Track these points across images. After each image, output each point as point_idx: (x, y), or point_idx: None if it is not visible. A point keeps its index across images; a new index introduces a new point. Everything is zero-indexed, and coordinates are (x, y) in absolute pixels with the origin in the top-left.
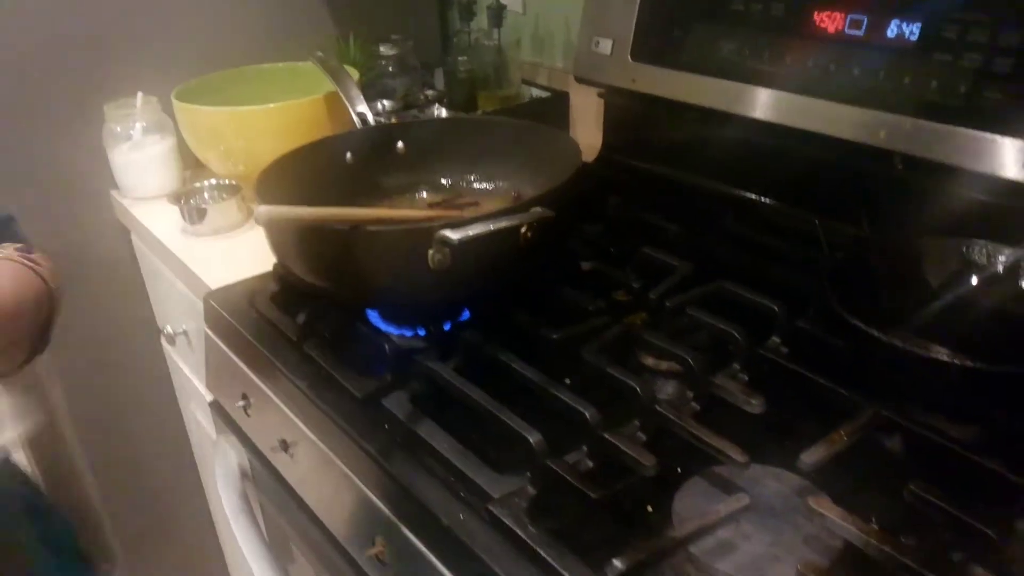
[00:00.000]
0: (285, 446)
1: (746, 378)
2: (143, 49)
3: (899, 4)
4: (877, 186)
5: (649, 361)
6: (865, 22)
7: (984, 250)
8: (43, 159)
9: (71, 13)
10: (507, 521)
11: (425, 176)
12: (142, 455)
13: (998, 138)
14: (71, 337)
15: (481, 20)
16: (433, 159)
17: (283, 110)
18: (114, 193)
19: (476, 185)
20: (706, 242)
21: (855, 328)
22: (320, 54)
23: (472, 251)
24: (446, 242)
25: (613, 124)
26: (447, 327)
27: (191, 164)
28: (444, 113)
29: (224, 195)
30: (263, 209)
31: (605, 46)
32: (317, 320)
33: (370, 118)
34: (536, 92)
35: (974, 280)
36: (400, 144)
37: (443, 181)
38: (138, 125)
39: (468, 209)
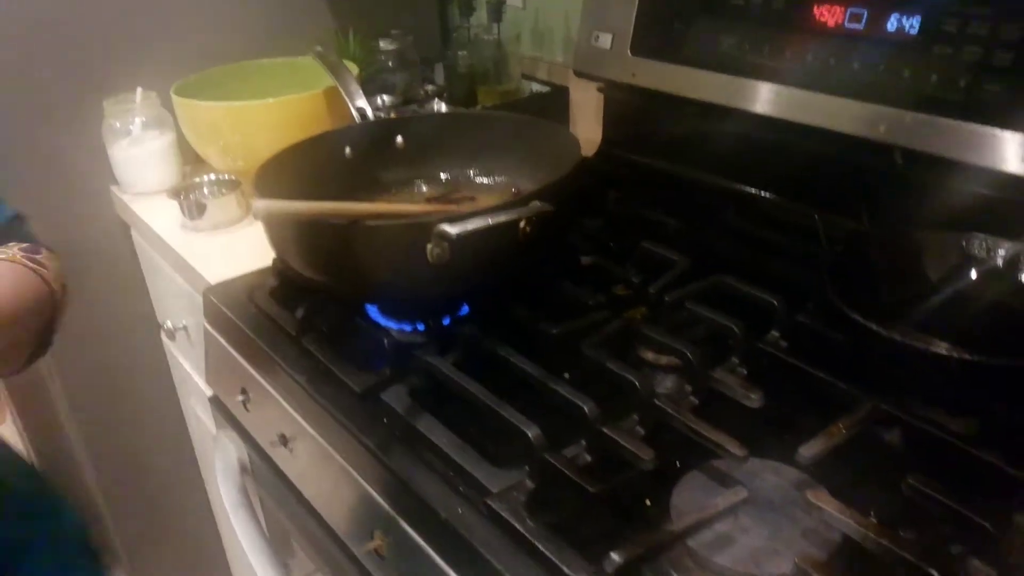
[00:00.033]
0: (284, 440)
1: (745, 372)
2: (142, 45)
3: None
4: (877, 180)
5: (648, 355)
6: (865, 16)
7: (984, 244)
8: (43, 155)
9: (71, 10)
10: (505, 515)
11: (424, 171)
12: (142, 450)
13: (998, 132)
14: (71, 332)
15: (481, 15)
16: (432, 154)
17: (282, 105)
18: (114, 188)
19: (475, 180)
20: (706, 236)
21: (854, 322)
22: (319, 49)
23: (471, 245)
24: (445, 236)
25: (613, 119)
26: (446, 322)
27: (190, 159)
28: (444, 108)
29: (223, 190)
30: (261, 204)
31: (605, 40)
32: (316, 315)
33: (369, 113)
34: (536, 87)
35: (973, 274)
36: (399, 139)
37: (442, 176)
38: (137, 120)
39: (464, 204)
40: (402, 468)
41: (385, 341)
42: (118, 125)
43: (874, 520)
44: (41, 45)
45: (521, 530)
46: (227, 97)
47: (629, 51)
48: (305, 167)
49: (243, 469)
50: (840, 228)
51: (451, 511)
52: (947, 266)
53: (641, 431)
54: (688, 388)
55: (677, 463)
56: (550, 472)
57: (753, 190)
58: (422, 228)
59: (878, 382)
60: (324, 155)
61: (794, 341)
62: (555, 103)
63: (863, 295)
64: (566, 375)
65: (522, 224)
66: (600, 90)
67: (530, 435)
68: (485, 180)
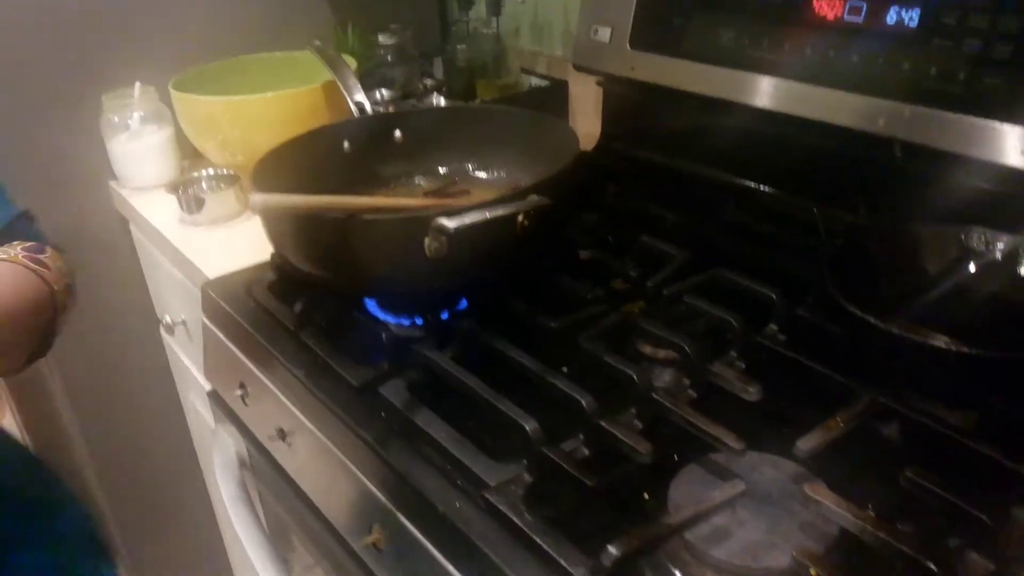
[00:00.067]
0: (283, 435)
1: (743, 366)
2: (141, 39)
3: None
4: (876, 173)
5: (646, 349)
6: (864, 8)
7: (982, 237)
8: (41, 150)
9: (69, 4)
10: (503, 508)
11: (423, 165)
12: (142, 445)
13: (997, 125)
14: (70, 327)
15: (480, 9)
16: (431, 148)
17: (281, 99)
18: (112, 183)
19: (474, 174)
20: (705, 230)
21: (853, 315)
22: (318, 43)
23: (469, 239)
24: (442, 230)
25: (612, 112)
26: (444, 316)
27: (189, 154)
28: (443, 102)
29: (222, 185)
30: (258, 197)
31: (604, 34)
32: (314, 309)
33: (368, 107)
34: (535, 81)
35: (972, 267)
36: (398, 133)
37: (441, 170)
38: (136, 115)
39: (458, 197)
40: (400, 462)
41: (383, 335)
42: (116, 120)
43: (872, 513)
44: (39, 40)
45: (519, 524)
46: (225, 91)
47: (628, 45)
48: (303, 161)
49: (242, 463)
50: (839, 222)
51: (449, 505)
52: (946, 259)
53: (639, 425)
54: (686, 382)
55: (675, 456)
56: (548, 466)
57: (752, 184)
58: (420, 222)
59: (876, 375)
60: (322, 149)
61: (793, 335)
62: (554, 97)
63: (862, 288)
64: (564, 369)
65: (520, 218)
66: (599, 84)
67: (528, 429)
68: (484, 174)
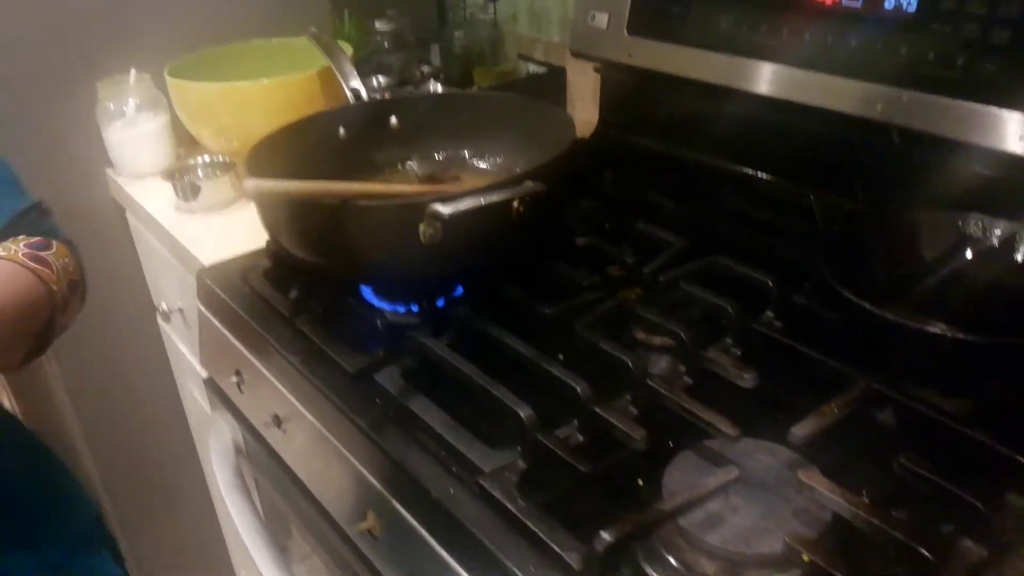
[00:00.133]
0: (278, 421)
1: (739, 352)
2: (136, 26)
3: None
4: (874, 160)
5: (642, 336)
6: None
7: (980, 223)
8: (37, 137)
9: None
10: (497, 495)
11: (419, 152)
12: (139, 432)
13: (995, 110)
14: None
15: None
16: (427, 135)
17: (276, 86)
18: (108, 171)
19: (470, 161)
20: (702, 217)
21: (849, 302)
22: (314, 30)
23: (463, 225)
24: (437, 216)
25: (609, 99)
26: (440, 303)
27: (185, 141)
28: (440, 89)
29: (218, 172)
30: (252, 182)
31: (601, 20)
32: (310, 296)
33: (364, 93)
34: (533, 67)
35: (969, 254)
36: (394, 119)
37: (437, 157)
38: (131, 102)
39: (449, 183)
40: (395, 448)
41: (379, 322)
42: (112, 107)
43: (866, 500)
44: (34, 27)
45: (512, 510)
46: (221, 78)
47: (626, 30)
48: (298, 147)
49: (238, 450)
50: (836, 208)
51: (443, 491)
52: (943, 246)
53: (634, 411)
54: (682, 368)
55: (669, 443)
56: (542, 452)
57: (749, 170)
58: (415, 208)
59: (872, 362)
60: (318, 135)
61: (788, 321)
62: (552, 84)
63: (859, 275)
64: (560, 356)
65: (515, 204)
66: (597, 70)
67: (523, 415)
68: (480, 161)
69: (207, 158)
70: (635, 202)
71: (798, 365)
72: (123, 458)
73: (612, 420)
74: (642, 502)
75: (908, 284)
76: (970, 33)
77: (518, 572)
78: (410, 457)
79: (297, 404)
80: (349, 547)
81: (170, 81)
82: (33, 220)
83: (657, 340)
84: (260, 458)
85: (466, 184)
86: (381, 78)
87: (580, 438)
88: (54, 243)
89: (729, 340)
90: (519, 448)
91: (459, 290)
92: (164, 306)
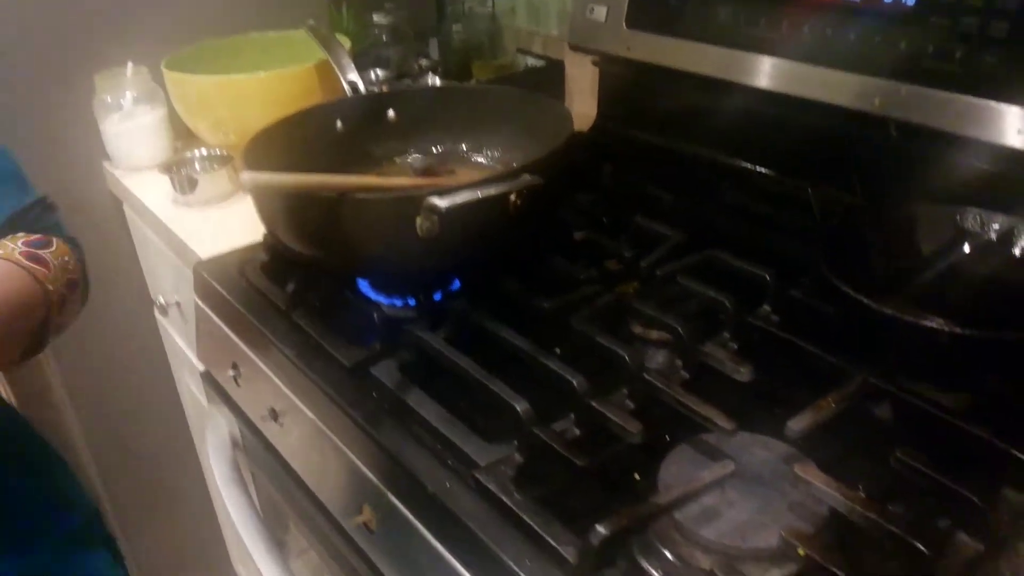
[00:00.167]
0: (275, 415)
1: (735, 346)
2: (133, 18)
3: None
4: (872, 153)
5: (639, 330)
6: None
7: (977, 218)
8: (34, 130)
9: None
10: (493, 488)
11: (417, 145)
12: (137, 427)
13: (994, 104)
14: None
15: None
16: (425, 128)
17: (274, 79)
18: (106, 164)
19: (468, 154)
20: (700, 211)
21: (846, 296)
22: (312, 23)
23: (460, 219)
24: (434, 210)
25: (608, 92)
26: (437, 297)
27: (182, 134)
28: (438, 82)
29: (215, 165)
30: (248, 175)
31: (600, 13)
32: (306, 289)
33: (361, 86)
34: (531, 61)
35: (967, 248)
36: (391, 112)
37: (435, 150)
38: (128, 95)
39: (444, 176)
40: (391, 442)
41: (375, 316)
42: (109, 100)
43: (862, 494)
44: (31, 20)
45: (508, 503)
46: (219, 71)
47: (624, 24)
48: (295, 140)
49: (235, 444)
50: (834, 202)
51: (439, 485)
52: (941, 240)
53: (631, 405)
54: (678, 362)
55: (666, 437)
56: (539, 446)
57: (748, 164)
58: (411, 201)
59: (869, 356)
60: (315, 128)
61: (786, 315)
62: (550, 77)
63: (856, 269)
64: (557, 350)
65: (512, 197)
66: (595, 63)
67: (519, 409)
68: (477, 154)
69: (204, 151)
70: (633, 196)
71: (795, 359)
72: (120, 452)
73: (608, 414)
74: (638, 496)
75: (906, 278)
76: (968, 26)
77: (514, 565)
78: (406, 450)
79: (293, 398)
80: (345, 540)
81: (167, 74)
82: (36, 216)
83: (654, 334)
84: (257, 452)
85: (461, 177)
86: (379, 71)
87: (576, 432)
88: (54, 241)
89: (726, 334)
90: (515, 442)
91: (456, 284)
92: (161, 300)
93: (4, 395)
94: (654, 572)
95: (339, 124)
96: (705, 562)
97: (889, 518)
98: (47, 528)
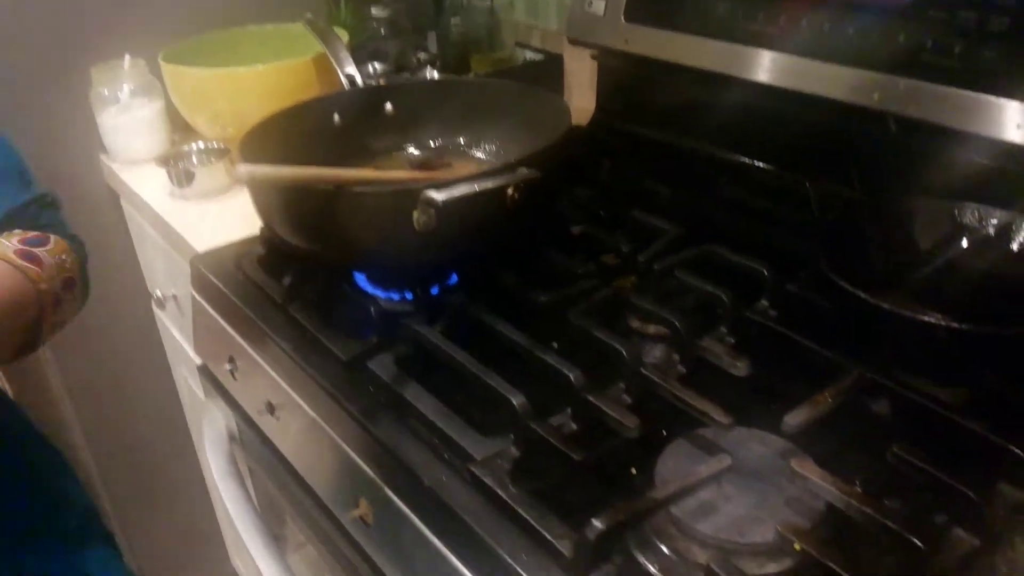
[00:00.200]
0: (271, 408)
1: (733, 341)
2: (130, 11)
3: None
4: (870, 148)
5: (636, 324)
6: None
7: (976, 213)
8: (30, 123)
9: None
10: (489, 482)
11: (414, 138)
12: (135, 420)
13: (993, 99)
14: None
15: None
16: (423, 121)
17: (271, 72)
18: (103, 157)
19: (465, 148)
20: (698, 205)
21: (844, 290)
22: (309, 16)
23: (457, 212)
24: (431, 203)
25: (607, 86)
26: (434, 290)
27: (179, 127)
28: (436, 76)
29: (212, 158)
30: (244, 167)
31: (598, 6)
32: (303, 283)
33: (359, 80)
34: (530, 55)
35: (965, 243)
36: (389, 106)
37: (432, 143)
38: (126, 88)
39: (441, 170)
40: (387, 435)
41: (372, 309)
42: (106, 92)
43: (859, 489)
44: (28, 13)
45: (505, 497)
46: (216, 64)
47: (623, 17)
48: (292, 133)
49: (231, 438)
50: (833, 196)
51: (436, 478)
52: (939, 235)
53: (627, 399)
54: (676, 357)
55: (663, 431)
56: (535, 440)
57: (746, 159)
58: (408, 195)
59: (866, 351)
60: (312, 121)
61: (783, 310)
62: (549, 71)
63: (854, 264)
64: (554, 344)
65: (510, 191)
66: (594, 57)
67: (515, 403)
68: (475, 148)
69: (201, 144)
70: (631, 190)
71: (792, 354)
72: (118, 445)
73: (605, 408)
74: (635, 490)
75: (904, 273)
76: (967, 21)
77: (510, 559)
78: (403, 444)
79: (290, 391)
80: (342, 534)
81: (165, 67)
82: (34, 213)
83: (651, 328)
84: (254, 445)
85: (457, 171)
86: (377, 65)
87: (573, 426)
88: (52, 239)
89: (723, 329)
90: (512, 436)
91: (453, 277)
92: (158, 293)
93: (2, 389)
94: (650, 566)
95: (336, 117)
96: (701, 556)
97: (885, 513)
98: (46, 526)
